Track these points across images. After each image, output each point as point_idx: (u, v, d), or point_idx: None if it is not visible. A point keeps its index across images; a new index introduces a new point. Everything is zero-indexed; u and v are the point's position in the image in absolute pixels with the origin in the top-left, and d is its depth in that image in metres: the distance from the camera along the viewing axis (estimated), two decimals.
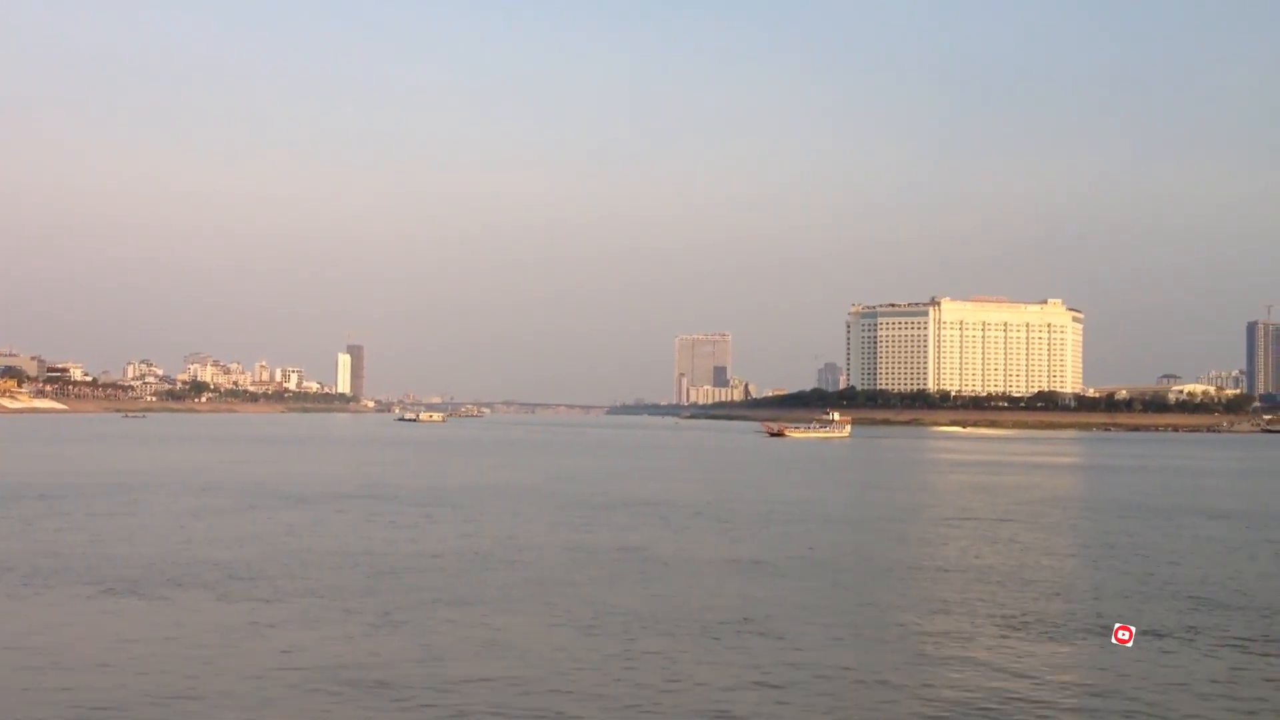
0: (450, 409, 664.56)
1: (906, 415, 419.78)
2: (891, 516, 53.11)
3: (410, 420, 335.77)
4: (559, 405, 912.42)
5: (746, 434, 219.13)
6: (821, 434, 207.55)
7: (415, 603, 27.85)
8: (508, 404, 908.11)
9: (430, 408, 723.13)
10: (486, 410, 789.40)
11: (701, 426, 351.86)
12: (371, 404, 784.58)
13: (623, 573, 33.29)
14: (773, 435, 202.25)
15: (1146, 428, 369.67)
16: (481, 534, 42.71)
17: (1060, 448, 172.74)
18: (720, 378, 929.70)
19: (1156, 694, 20.18)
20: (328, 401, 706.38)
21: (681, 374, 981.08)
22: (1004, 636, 24.88)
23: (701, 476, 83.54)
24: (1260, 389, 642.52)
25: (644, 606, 27.84)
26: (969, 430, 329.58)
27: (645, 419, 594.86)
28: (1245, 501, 66.63)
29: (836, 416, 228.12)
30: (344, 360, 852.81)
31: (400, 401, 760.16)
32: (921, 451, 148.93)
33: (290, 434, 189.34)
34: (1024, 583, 32.53)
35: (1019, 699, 19.79)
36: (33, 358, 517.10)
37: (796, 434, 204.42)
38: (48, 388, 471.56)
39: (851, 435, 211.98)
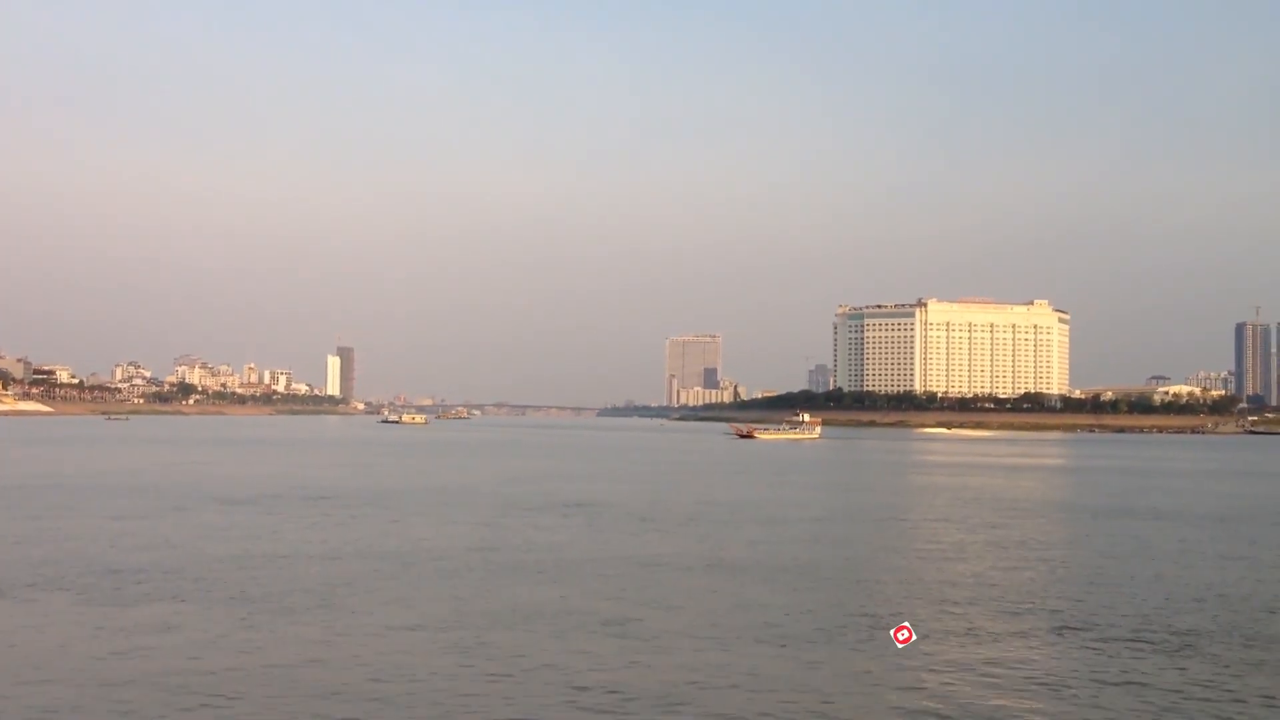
0: (440, 411, 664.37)
1: (893, 417, 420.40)
2: (819, 517, 52.74)
3: (393, 422, 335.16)
4: (550, 407, 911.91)
5: (718, 436, 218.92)
6: (791, 435, 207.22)
7: (283, 606, 27.42)
8: (499, 406, 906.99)
9: (421, 410, 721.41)
10: (477, 412, 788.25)
11: (685, 428, 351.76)
12: (361, 406, 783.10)
13: (512, 574, 32.88)
14: (742, 437, 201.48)
15: (1131, 429, 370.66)
16: (395, 536, 42.26)
17: (1035, 449, 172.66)
18: (711, 379, 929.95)
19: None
20: (317, 403, 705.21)
21: (672, 375, 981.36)
22: (870, 637, 24.55)
23: (651, 478, 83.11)
24: (1249, 390, 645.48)
25: (509, 606, 27.44)
26: (953, 431, 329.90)
27: (635, 421, 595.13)
28: (1181, 501, 66.35)
29: (807, 418, 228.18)
30: (333, 362, 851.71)
31: (390, 403, 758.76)
32: (890, 453, 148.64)
33: (264, 436, 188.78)
34: (904, 583, 32.23)
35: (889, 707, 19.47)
36: (19, 360, 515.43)
37: (766, 436, 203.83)
38: (34, 390, 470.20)
39: (822, 436, 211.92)
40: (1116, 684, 20.83)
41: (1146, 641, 24.45)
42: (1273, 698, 20.07)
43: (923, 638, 24.54)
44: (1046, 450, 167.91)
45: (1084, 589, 31.79)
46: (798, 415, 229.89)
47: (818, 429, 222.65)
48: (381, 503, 56.72)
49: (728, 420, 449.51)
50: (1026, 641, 24.53)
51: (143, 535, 41.47)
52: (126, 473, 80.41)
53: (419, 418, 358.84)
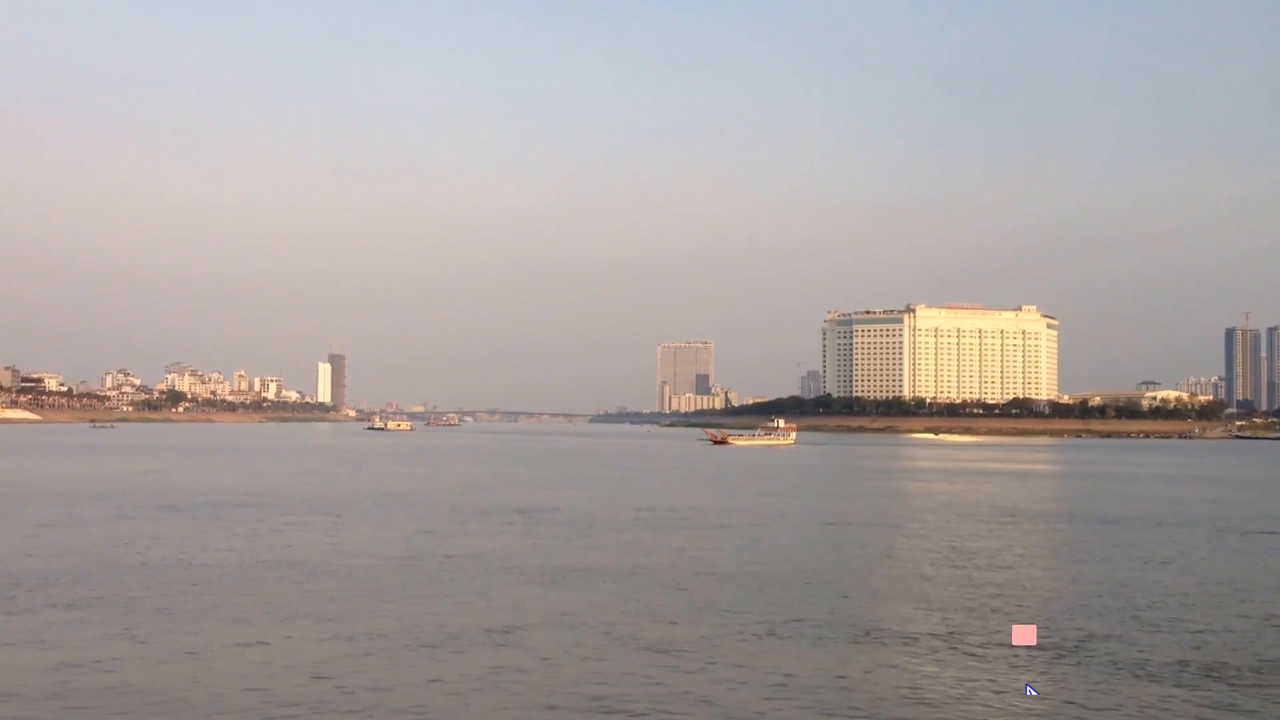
0: (431, 417, 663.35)
1: (881, 422, 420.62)
2: (759, 523, 52.40)
3: (378, 429, 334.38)
4: (542, 414, 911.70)
5: (695, 442, 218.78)
6: (765, 441, 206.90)
7: (175, 614, 27.16)
8: (491, 412, 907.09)
9: (413, 416, 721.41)
10: (469, 418, 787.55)
11: (670, 434, 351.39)
12: (353, 413, 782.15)
13: (427, 582, 32.58)
14: (716, 443, 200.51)
15: (1119, 434, 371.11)
16: (325, 543, 41.96)
17: (1011, 454, 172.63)
18: (703, 386, 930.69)
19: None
20: (307, 410, 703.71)
21: (664, 382, 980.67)
22: (762, 641, 24.30)
23: (608, 485, 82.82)
24: (1239, 395, 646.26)
25: (400, 617, 27.20)
26: (939, 437, 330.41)
27: (623, 427, 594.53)
28: (1134, 507, 66.17)
29: (782, 424, 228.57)
30: (324, 369, 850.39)
31: (382, 410, 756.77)
32: (864, 459, 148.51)
33: (241, 444, 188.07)
34: (813, 587, 32.00)
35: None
36: (6, 368, 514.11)
37: (739, 442, 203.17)
38: (21, 398, 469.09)
39: (798, 443, 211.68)
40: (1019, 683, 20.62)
41: (1055, 645, 24.26)
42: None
43: (796, 638, 24.32)
44: (1020, 455, 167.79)
45: (987, 595, 31.57)
46: (773, 421, 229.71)
47: (793, 435, 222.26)
48: (322, 510, 56.32)
49: (718, 426, 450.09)
50: (912, 649, 24.33)
51: (62, 543, 41.12)
52: (83, 480, 79.93)
53: (404, 424, 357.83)
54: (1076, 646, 24.35)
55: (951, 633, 25.81)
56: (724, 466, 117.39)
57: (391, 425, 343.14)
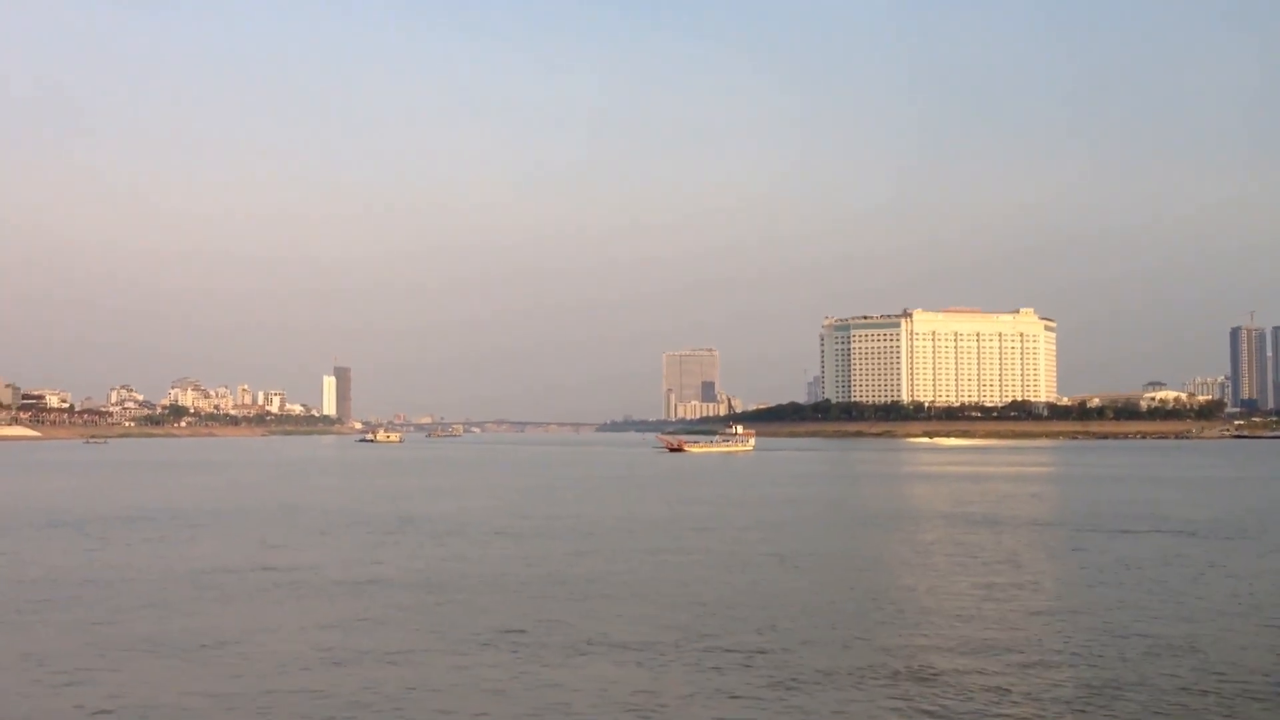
0: (434, 429, 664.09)
1: (879, 427, 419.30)
2: (600, 532, 51.78)
3: (368, 441, 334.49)
4: (549, 424, 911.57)
5: (646, 450, 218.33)
6: (723, 449, 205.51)
7: None
8: (499, 423, 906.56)
9: (419, 429, 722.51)
10: (476, 429, 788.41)
11: (650, 444, 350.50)
12: (359, 425, 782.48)
13: (194, 594, 32.27)
14: (672, 450, 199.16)
15: (1117, 435, 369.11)
16: (188, 557, 41.66)
17: (998, 456, 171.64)
18: (709, 393, 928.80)
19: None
20: (311, 424, 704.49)
21: (670, 390, 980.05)
22: (659, 658, 23.87)
23: (533, 494, 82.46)
24: (1244, 395, 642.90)
25: (156, 633, 26.85)
26: (935, 441, 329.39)
27: (631, 436, 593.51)
28: (1076, 508, 65.57)
29: (740, 430, 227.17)
30: (329, 382, 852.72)
31: (389, 422, 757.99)
32: (825, 464, 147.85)
33: (221, 458, 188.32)
34: (673, 595, 31.54)
35: None
36: (7, 385, 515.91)
37: (696, 449, 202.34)
38: (22, 415, 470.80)
39: (755, 449, 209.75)
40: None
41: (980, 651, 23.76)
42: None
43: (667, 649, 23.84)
44: (994, 458, 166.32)
45: (901, 607, 31.07)
46: (731, 429, 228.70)
47: (751, 441, 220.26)
48: (190, 523, 56.12)
49: (719, 433, 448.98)
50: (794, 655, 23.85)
51: None
52: (13, 498, 79.81)
53: (393, 436, 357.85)
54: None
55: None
56: (665, 474, 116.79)
57: (380, 437, 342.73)
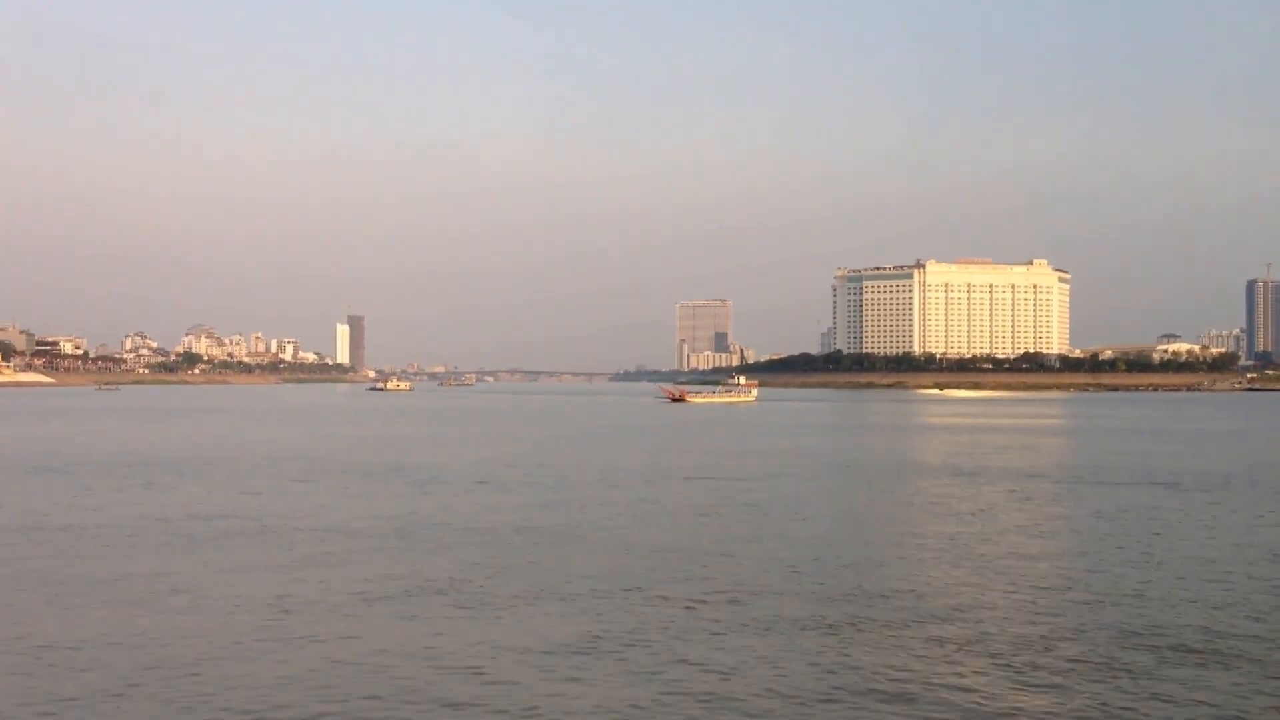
0: (446, 378, 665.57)
1: (891, 378, 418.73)
2: (575, 482, 51.94)
3: (379, 389, 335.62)
4: (563, 373, 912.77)
5: (648, 400, 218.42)
6: (725, 399, 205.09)
7: None
8: (512, 372, 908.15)
9: (432, 377, 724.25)
10: (489, 378, 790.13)
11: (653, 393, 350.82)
12: (372, 373, 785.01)
13: (220, 541, 32.49)
14: (674, 400, 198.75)
15: (1128, 388, 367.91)
16: (164, 503, 41.86)
17: (1002, 408, 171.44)
18: (721, 343, 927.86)
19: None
20: (324, 372, 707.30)
21: (683, 340, 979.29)
22: (605, 600, 23.99)
23: (526, 443, 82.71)
24: (1260, 347, 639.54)
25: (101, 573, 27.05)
26: (944, 392, 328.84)
27: (643, 385, 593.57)
28: (1063, 461, 65.45)
29: (743, 381, 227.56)
30: (342, 331, 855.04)
31: (403, 371, 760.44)
32: (829, 414, 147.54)
33: (228, 405, 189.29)
34: (638, 548, 31.62)
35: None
36: (21, 331, 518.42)
37: (697, 400, 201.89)
38: (36, 361, 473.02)
39: (759, 399, 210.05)
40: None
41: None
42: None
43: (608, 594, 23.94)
44: (1009, 410, 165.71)
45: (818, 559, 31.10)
46: (734, 379, 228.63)
47: (754, 392, 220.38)
48: (171, 470, 56.37)
49: (729, 384, 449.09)
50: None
51: None
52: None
53: (403, 385, 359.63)
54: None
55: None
56: (664, 424, 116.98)
57: (390, 386, 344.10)
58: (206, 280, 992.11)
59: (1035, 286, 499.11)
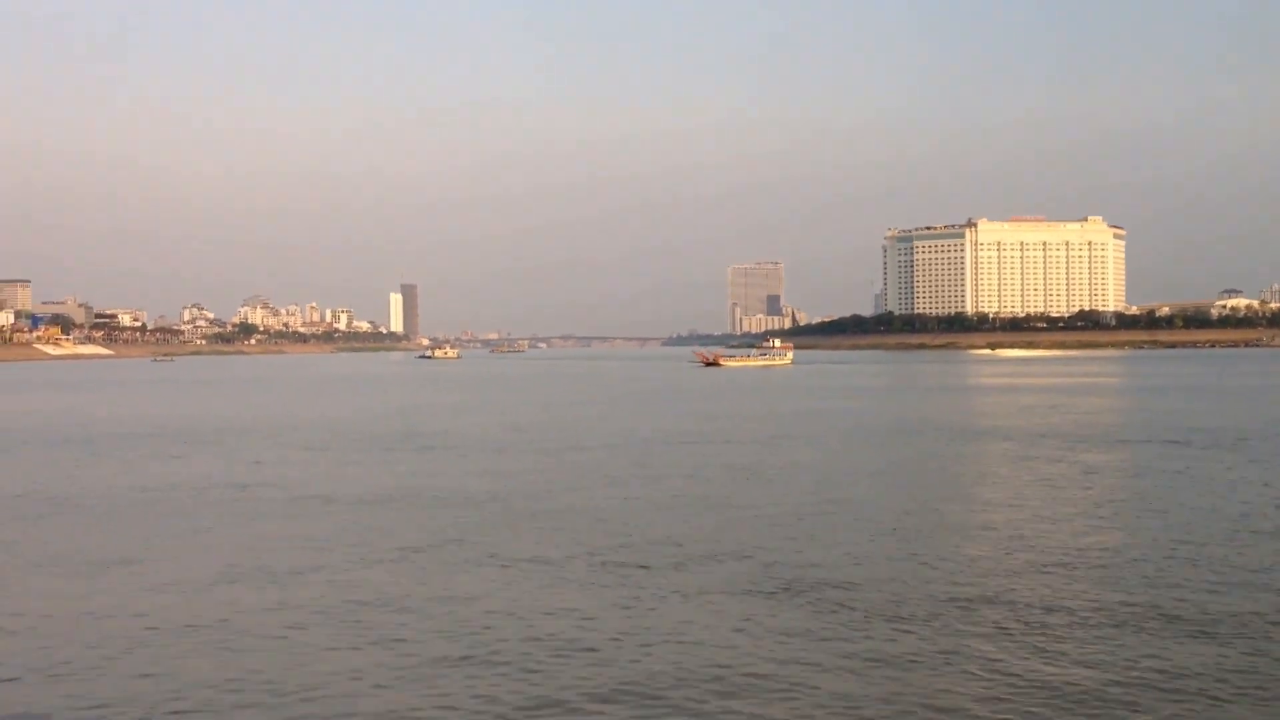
0: (500, 345, 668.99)
1: (942, 339, 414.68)
2: (574, 447, 51.71)
3: (428, 358, 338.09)
4: (616, 339, 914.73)
5: (682, 364, 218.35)
6: (760, 362, 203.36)
7: None
8: (565, 338, 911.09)
9: (485, 344, 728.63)
10: (542, 345, 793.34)
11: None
12: (426, 341, 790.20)
13: (211, 510, 32.86)
14: (708, 364, 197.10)
15: (1185, 345, 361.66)
16: (170, 474, 42.36)
17: (1052, 368, 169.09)
18: (774, 306, 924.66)
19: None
20: (378, 340, 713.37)
21: (735, 304, 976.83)
22: (592, 571, 24.06)
23: (548, 409, 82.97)
24: None
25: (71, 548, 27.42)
26: (996, 352, 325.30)
27: (690, 351, 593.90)
28: (1085, 420, 64.50)
29: (778, 344, 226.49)
30: (395, 299, 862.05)
31: (456, 339, 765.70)
32: (871, 377, 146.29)
33: (280, 375, 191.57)
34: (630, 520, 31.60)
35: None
36: (81, 305, 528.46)
37: (732, 363, 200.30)
38: (95, 334, 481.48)
39: (794, 362, 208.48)
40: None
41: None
42: None
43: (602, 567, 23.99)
44: (1055, 368, 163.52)
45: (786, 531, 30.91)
46: (769, 342, 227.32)
47: (789, 355, 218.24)
48: (218, 440, 56.96)
49: (778, 347, 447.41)
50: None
51: None
52: (17, 416, 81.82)
53: (451, 352, 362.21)
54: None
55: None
56: (695, 388, 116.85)
57: (439, 354, 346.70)
58: (262, 253, 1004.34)
59: (1090, 244, 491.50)
